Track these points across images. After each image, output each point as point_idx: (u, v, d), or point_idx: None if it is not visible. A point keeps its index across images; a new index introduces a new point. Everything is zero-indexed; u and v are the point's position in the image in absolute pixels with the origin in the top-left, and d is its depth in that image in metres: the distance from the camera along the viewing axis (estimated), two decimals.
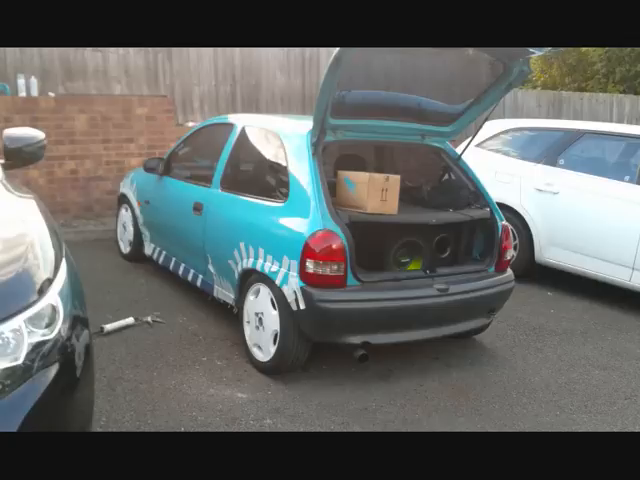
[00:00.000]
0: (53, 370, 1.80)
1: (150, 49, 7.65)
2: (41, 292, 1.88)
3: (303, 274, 3.21)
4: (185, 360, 3.63)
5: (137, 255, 5.43)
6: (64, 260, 2.13)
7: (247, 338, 3.65)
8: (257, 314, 3.54)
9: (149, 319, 4.17)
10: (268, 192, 3.73)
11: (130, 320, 4.09)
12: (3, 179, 2.69)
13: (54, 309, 1.87)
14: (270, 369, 3.46)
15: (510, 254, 3.96)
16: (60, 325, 1.86)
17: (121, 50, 7.44)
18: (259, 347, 3.54)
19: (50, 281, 1.94)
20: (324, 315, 3.23)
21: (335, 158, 4.16)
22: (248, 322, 3.65)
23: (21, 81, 6.71)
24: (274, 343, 3.40)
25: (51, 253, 2.09)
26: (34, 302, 1.83)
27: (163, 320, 4.20)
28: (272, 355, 3.42)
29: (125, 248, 5.67)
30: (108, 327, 3.94)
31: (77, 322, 1.98)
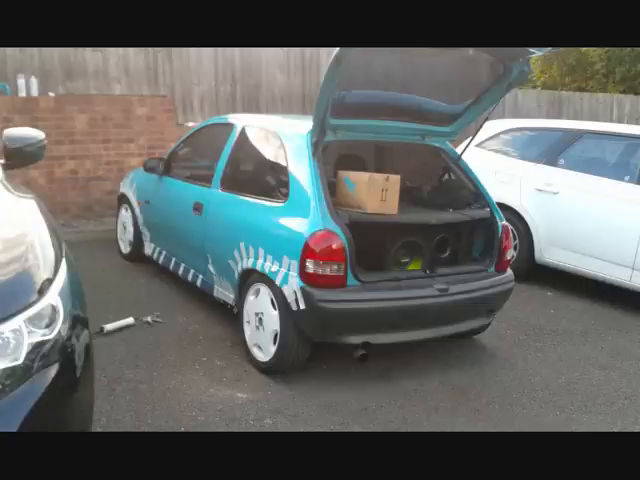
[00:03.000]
0: (53, 370, 1.80)
1: (150, 49, 7.65)
2: (41, 292, 1.88)
3: (303, 274, 3.21)
4: (185, 360, 3.63)
5: (137, 255, 5.43)
6: (64, 260, 2.13)
7: (247, 338, 3.65)
8: (257, 314, 3.54)
9: (149, 319, 4.17)
10: (268, 192, 3.73)
11: (130, 320, 4.09)
12: (3, 179, 2.69)
13: (54, 309, 1.87)
14: (270, 369, 3.46)
15: (510, 254, 3.96)
16: (60, 325, 1.86)
17: (121, 50, 7.44)
18: (259, 347, 3.54)
19: (50, 281, 1.94)
20: (324, 315, 3.23)
21: (335, 158, 4.16)
22: (248, 322, 3.65)
23: (21, 81, 6.70)
24: (274, 343, 3.40)
25: (51, 253, 2.09)
26: (34, 302, 1.83)
27: (163, 320, 4.20)
28: (272, 355, 3.42)
29: (125, 248, 5.67)
30: (108, 327, 3.95)
31: (77, 322, 1.98)
